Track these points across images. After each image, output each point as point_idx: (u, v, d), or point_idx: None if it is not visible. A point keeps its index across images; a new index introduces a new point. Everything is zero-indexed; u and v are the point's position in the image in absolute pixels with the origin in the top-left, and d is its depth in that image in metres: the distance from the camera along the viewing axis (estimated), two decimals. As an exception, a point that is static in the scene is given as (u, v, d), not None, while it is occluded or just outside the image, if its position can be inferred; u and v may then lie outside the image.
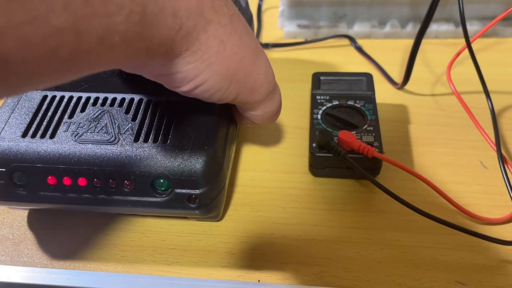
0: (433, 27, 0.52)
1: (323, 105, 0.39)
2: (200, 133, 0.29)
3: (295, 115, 0.43)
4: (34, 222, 0.34)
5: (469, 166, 0.37)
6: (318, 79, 0.42)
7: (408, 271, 0.30)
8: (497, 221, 0.32)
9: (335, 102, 0.39)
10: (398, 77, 0.47)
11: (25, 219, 0.34)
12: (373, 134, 0.36)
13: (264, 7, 0.61)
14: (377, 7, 0.52)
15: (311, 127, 0.37)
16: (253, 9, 0.60)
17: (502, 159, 0.35)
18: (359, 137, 0.36)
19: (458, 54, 0.40)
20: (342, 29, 0.54)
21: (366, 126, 0.37)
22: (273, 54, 0.52)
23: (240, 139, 0.40)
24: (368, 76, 0.42)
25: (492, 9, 0.51)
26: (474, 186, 0.35)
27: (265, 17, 0.60)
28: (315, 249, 0.31)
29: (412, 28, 0.53)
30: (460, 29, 0.51)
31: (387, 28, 0.53)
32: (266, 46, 0.53)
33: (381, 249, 0.31)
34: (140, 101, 0.31)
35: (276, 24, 0.58)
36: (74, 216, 0.34)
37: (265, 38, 0.55)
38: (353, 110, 0.38)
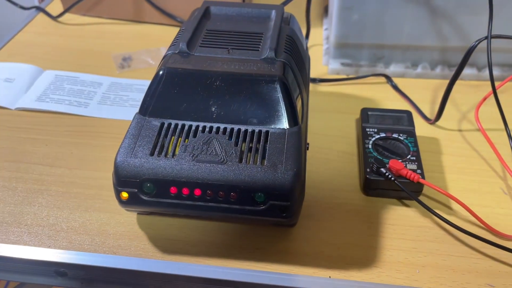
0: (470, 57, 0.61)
1: (372, 136, 0.47)
2: (289, 157, 0.37)
3: (343, 142, 0.51)
4: (144, 223, 0.41)
5: (493, 192, 0.45)
6: (366, 114, 0.50)
7: (448, 275, 0.37)
8: (517, 238, 0.40)
9: (382, 135, 0.47)
10: (429, 113, 0.55)
11: (136, 220, 0.42)
12: (416, 163, 0.44)
13: (308, 44, 0.70)
14: (411, 51, 0.61)
15: (363, 154, 0.45)
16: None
17: (521, 188, 0.43)
18: (405, 165, 0.44)
19: (485, 99, 0.49)
20: (380, 68, 0.62)
21: (409, 156, 0.45)
22: (319, 88, 0.61)
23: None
24: (408, 113, 0.50)
25: (509, 57, 0.60)
26: (497, 209, 0.43)
27: (310, 53, 0.68)
28: (372, 254, 0.39)
29: (440, 71, 0.61)
30: (482, 73, 0.60)
31: (419, 69, 0.61)
32: (314, 80, 0.61)
33: (425, 256, 0.39)
34: (239, 130, 0.39)
35: (320, 60, 0.66)
36: (176, 219, 0.41)
37: (311, 73, 0.64)
38: (398, 142, 0.47)
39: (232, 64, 0.41)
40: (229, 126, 0.39)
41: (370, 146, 0.46)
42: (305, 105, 0.45)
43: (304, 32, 0.69)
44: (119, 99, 0.57)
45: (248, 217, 0.37)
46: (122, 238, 0.40)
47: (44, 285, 0.43)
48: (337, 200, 0.44)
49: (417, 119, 0.54)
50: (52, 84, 0.59)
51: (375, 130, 0.48)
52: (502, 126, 0.48)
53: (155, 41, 0.70)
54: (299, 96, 0.43)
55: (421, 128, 0.53)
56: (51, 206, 0.43)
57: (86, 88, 0.59)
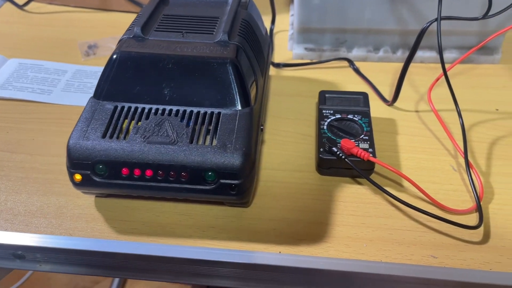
0: (419, 54, 0.62)
1: (328, 118, 0.48)
2: (239, 137, 0.38)
3: (303, 124, 0.52)
4: (101, 205, 0.42)
5: (443, 169, 0.46)
6: (324, 96, 0.51)
7: (393, 248, 0.39)
8: (462, 212, 0.42)
9: (338, 116, 0.48)
10: (388, 95, 0.56)
11: (93, 203, 0.42)
12: (368, 142, 0.45)
13: (274, 30, 0.71)
14: (372, 35, 0.62)
15: (318, 135, 0.46)
16: (266, 31, 0.70)
17: (468, 165, 0.44)
18: (357, 144, 0.45)
19: (437, 80, 0.50)
20: (343, 52, 0.63)
21: (362, 136, 0.46)
22: (284, 73, 0.62)
23: (262, 143, 0.49)
24: (365, 95, 0.51)
25: (468, 39, 0.61)
26: (446, 185, 0.44)
27: (276, 39, 0.69)
28: (322, 230, 0.40)
29: (401, 54, 0.62)
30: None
31: (381, 53, 0.63)
32: (278, 65, 0.62)
33: (373, 231, 0.40)
34: (191, 112, 0.40)
35: (286, 46, 0.67)
36: (133, 200, 0.42)
37: (276, 58, 0.65)
38: (352, 123, 0.48)
39: (185, 47, 0.42)
40: (181, 108, 0.40)
41: (325, 127, 0.47)
42: (260, 88, 0.46)
43: (270, 18, 0.70)
44: (83, 86, 0.58)
45: (200, 195, 0.38)
46: (79, 220, 0.41)
47: (3, 268, 0.44)
48: (293, 179, 0.45)
49: (376, 101, 0.56)
50: (16, 72, 0.59)
51: (331, 111, 0.49)
52: (453, 106, 0.49)
53: (123, 29, 0.70)
54: (254, 78, 0.44)
55: (379, 109, 0.54)
56: (10, 191, 0.43)
57: (50, 76, 0.59)
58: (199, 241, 0.39)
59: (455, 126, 0.50)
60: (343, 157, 0.43)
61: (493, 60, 0.61)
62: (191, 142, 0.38)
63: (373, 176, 0.45)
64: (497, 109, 0.54)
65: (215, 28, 0.45)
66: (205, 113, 0.40)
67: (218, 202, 0.42)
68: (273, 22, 0.70)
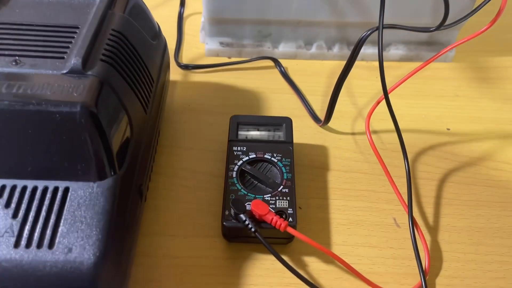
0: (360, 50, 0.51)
1: (239, 159, 0.37)
2: (93, 230, 0.26)
3: (213, 158, 0.40)
4: None
5: (383, 224, 0.37)
6: (235, 125, 0.39)
7: None
8: (404, 290, 0.33)
9: (252, 155, 0.37)
10: (321, 110, 0.45)
11: None
12: (288, 198, 0.34)
13: (186, 12, 0.57)
14: (303, 27, 0.50)
15: (225, 187, 0.35)
16: (173, 17, 0.55)
17: (412, 222, 0.35)
18: (273, 202, 0.34)
19: (377, 103, 0.39)
20: (267, 48, 0.51)
21: (281, 187, 0.35)
22: (194, 77, 0.49)
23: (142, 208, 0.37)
24: (287, 122, 0.40)
25: (415, 34, 0.50)
26: (386, 250, 0.35)
27: (188, 25, 0.55)
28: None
29: (338, 50, 0.51)
30: (386, 53, 0.51)
31: (313, 49, 0.51)
32: (186, 67, 0.49)
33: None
34: (24, 189, 0.27)
35: (199, 33, 0.53)
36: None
37: (187, 53, 0.51)
38: (270, 165, 0.37)
39: (14, 85, 0.28)
40: (9, 183, 0.27)
41: (234, 174, 0.36)
42: (145, 128, 0.34)
43: None
44: None
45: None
46: None
47: None
48: (191, 251, 0.34)
49: (306, 121, 0.44)
50: None
51: (244, 148, 0.38)
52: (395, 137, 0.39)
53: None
54: (127, 123, 0.31)
55: (308, 132, 0.43)
56: None
57: None
58: None
59: (399, 157, 0.40)
60: (252, 229, 0.32)
61: (445, 58, 0.51)
62: (17, 245, 0.25)
63: (293, 244, 0.35)
64: (449, 129, 0.44)
65: (69, 48, 0.31)
66: (45, 189, 0.27)
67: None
68: (182, 3, 0.56)
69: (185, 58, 0.51)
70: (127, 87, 0.32)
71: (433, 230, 0.36)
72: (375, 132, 0.43)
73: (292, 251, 0.34)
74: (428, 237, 0.36)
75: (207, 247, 0.34)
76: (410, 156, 0.41)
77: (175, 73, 0.49)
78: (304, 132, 0.43)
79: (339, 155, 0.41)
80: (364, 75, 0.50)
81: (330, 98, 0.41)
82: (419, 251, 0.34)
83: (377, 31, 0.38)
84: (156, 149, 0.38)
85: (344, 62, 0.40)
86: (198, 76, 0.49)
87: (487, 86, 0.49)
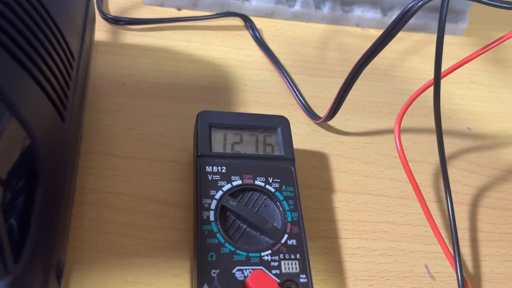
0: (356, 12, 0.38)
1: (217, 188, 0.24)
2: None
3: (169, 176, 0.27)
4: None
5: (413, 273, 0.27)
6: (207, 130, 0.25)
7: None
8: None
9: (236, 181, 0.24)
10: (311, 95, 0.33)
11: None
12: (298, 256, 0.22)
13: None
14: (286, -26, 0.36)
15: (197, 238, 0.22)
16: None
17: (462, 280, 0.25)
18: (275, 264, 0.22)
19: (420, 93, 0.28)
20: (237, 0, 0.36)
21: (286, 237, 0.23)
22: (128, 37, 0.33)
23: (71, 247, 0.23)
24: (284, 125, 0.27)
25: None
26: (421, 317, 0.25)
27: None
28: None
29: (329, 10, 0.38)
30: (388, 18, 0.39)
31: (297, 7, 0.37)
32: (116, 21, 0.33)
33: None
34: None
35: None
36: None
37: (113, 5, 0.35)
38: (265, 198, 0.24)
39: None
40: None
41: (211, 216, 0.23)
42: (66, 155, 0.19)
43: None
44: None
45: None
46: None
47: None
48: None
49: (296, 114, 0.32)
50: None
51: (223, 169, 0.24)
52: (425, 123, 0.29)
53: None
54: (27, 152, 0.16)
55: (301, 131, 0.31)
56: None
57: None
58: None
59: (421, 170, 0.30)
60: (254, 324, 0.20)
61: (455, 30, 0.41)
62: None
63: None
64: (470, 128, 0.35)
65: None
66: None
67: None
68: None
69: (115, 8, 0.34)
70: (23, 77, 0.17)
71: (474, 280, 0.27)
72: (380, 132, 0.32)
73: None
74: (471, 293, 0.27)
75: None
76: (427, 167, 0.31)
77: (99, 31, 0.32)
78: (293, 130, 0.30)
79: (344, 167, 0.30)
80: (359, 47, 0.38)
81: (340, 90, 0.28)
82: (465, 316, 0.25)
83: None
84: (74, 197, 0.23)
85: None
86: (133, 36, 0.33)
87: (503, 71, 0.40)
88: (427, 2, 0.24)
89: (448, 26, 0.40)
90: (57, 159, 0.18)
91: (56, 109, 0.19)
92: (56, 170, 0.18)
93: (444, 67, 0.25)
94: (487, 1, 0.22)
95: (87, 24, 0.25)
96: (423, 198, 0.27)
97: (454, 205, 0.29)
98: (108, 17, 0.33)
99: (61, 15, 0.21)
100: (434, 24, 0.40)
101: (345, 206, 0.28)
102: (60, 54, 0.20)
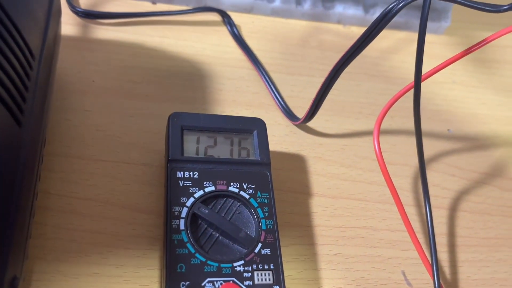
0: (338, 8, 0.37)
1: (188, 195, 0.23)
2: None
3: (140, 180, 0.25)
4: None
5: (391, 280, 0.26)
6: (179, 132, 0.24)
7: None
8: None
9: (209, 187, 0.23)
10: (291, 95, 0.32)
11: None
12: (272, 267, 0.22)
13: None
14: (266, -32, 0.34)
15: (167, 247, 0.21)
16: None
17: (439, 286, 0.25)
18: (248, 275, 0.21)
19: (400, 95, 0.27)
20: (213, -5, 0.35)
21: (260, 246, 0.22)
22: (98, 32, 0.31)
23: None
24: (260, 127, 0.26)
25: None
26: (398, 326, 0.25)
27: None
28: None
29: (310, 6, 0.37)
30: (369, 16, 0.38)
31: (277, 2, 0.36)
32: (87, 15, 0.31)
33: None
34: None
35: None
36: None
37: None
38: (238, 204, 0.23)
39: None
40: None
41: (182, 225, 0.22)
42: (23, 166, 0.18)
43: None
44: None
45: None
46: None
47: None
48: None
49: (274, 115, 0.31)
50: None
51: (195, 175, 0.23)
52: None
53: None
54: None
55: (278, 132, 0.30)
56: None
57: None
58: None
59: (399, 173, 0.29)
60: None
61: (437, 28, 0.40)
62: None
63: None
64: (450, 130, 0.34)
65: None
66: None
67: None
68: None
69: (85, 0, 0.33)
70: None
71: (451, 286, 0.27)
72: (360, 134, 0.32)
73: None
74: (448, 300, 0.26)
75: None
76: (407, 170, 0.31)
77: (68, 24, 0.31)
78: (271, 131, 0.29)
79: (323, 171, 0.29)
80: (341, 45, 0.37)
81: (319, 91, 0.27)
82: (442, 325, 0.25)
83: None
84: (37, 191, 0.22)
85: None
86: (105, 31, 0.32)
87: (484, 72, 0.39)
88: (409, 2, 0.23)
89: (430, 25, 0.39)
90: (11, 167, 0.17)
91: (11, 114, 0.17)
92: (10, 178, 0.17)
93: (426, 66, 0.24)
94: (469, 3, 0.21)
95: (51, 18, 0.23)
96: (401, 202, 0.26)
97: (433, 209, 0.28)
98: (78, 10, 0.31)
99: (17, 8, 0.19)
100: (417, 22, 0.39)
101: (323, 211, 0.27)
102: (16, 53, 0.18)
